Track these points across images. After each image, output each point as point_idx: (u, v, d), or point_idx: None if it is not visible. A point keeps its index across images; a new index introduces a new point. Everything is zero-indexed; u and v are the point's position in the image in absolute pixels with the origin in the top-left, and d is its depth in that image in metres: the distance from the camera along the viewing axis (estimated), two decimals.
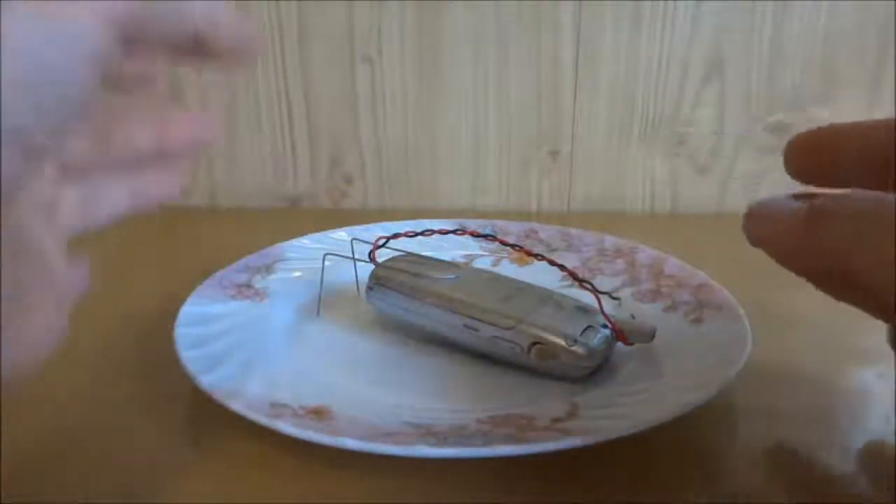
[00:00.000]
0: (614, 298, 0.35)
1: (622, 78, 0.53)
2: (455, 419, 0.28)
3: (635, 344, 0.31)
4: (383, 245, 0.35)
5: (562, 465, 0.26)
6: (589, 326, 0.31)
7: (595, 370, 0.31)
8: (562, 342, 0.30)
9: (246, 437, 0.28)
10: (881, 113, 0.53)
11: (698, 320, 0.34)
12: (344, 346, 0.34)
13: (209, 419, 0.29)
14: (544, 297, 0.33)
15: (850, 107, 0.53)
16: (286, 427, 0.26)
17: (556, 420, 0.27)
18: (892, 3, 0.50)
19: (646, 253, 0.41)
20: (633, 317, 0.33)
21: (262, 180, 0.57)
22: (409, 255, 0.36)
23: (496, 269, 0.41)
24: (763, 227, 0.22)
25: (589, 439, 0.25)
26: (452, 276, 0.34)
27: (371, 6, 0.52)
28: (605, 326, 0.31)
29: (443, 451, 0.25)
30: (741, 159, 0.55)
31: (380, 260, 0.35)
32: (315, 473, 0.26)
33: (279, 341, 0.34)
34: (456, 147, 0.55)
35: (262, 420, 0.26)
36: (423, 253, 0.37)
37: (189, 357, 0.30)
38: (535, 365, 0.31)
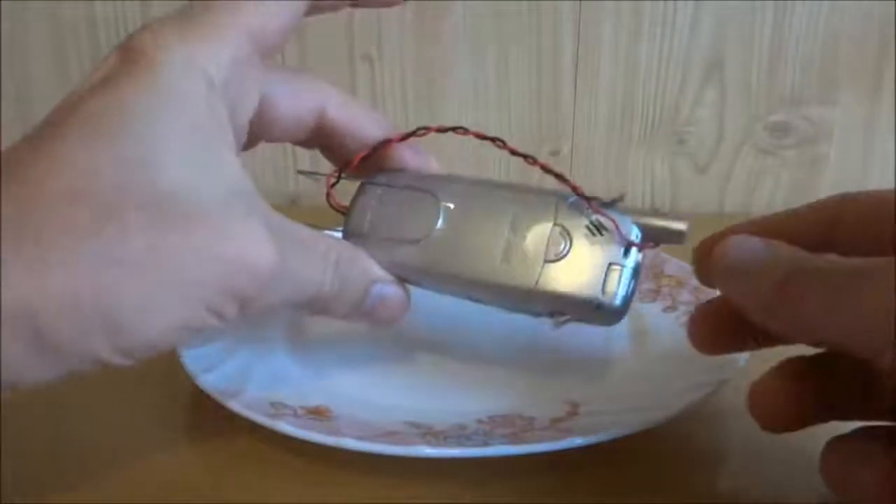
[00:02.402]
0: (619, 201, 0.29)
1: (622, 78, 0.53)
2: (455, 419, 0.28)
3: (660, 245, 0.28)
4: (336, 182, 0.30)
5: (562, 465, 0.26)
6: (610, 265, 0.27)
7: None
8: (585, 306, 0.27)
9: (246, 437, 0.28)
10: (881, 113, 0.53)
11: None
12: (344, 346, 0.34)
13: (209, 419, 0.29)
14: (550, 227, 0.28)
15: (850, 107, 0.53)
16: (286, 427, 0.26)
17: (556, 420, 0.27)
18: (892, 3, 0.50)
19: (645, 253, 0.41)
20: (657, 210, 0.30)
21: (261, 178, 0.56)
22: (380, 185, 0.30)
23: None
24: (736, 284, 0.22)
25: (589, 439, 0.25)
26: (439, 226, 0.28)
27: None
28: (626, 251, 0.27)
29: (443, 451, 0.25)
30: (741, 159, 0.55)
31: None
32: (315, 473, 0.26)
33: (279, 341, 0.34)
34: (455, 147, 0.55)
35: (262, 420, 0.26)
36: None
37: (189, 357, 0.30)
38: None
